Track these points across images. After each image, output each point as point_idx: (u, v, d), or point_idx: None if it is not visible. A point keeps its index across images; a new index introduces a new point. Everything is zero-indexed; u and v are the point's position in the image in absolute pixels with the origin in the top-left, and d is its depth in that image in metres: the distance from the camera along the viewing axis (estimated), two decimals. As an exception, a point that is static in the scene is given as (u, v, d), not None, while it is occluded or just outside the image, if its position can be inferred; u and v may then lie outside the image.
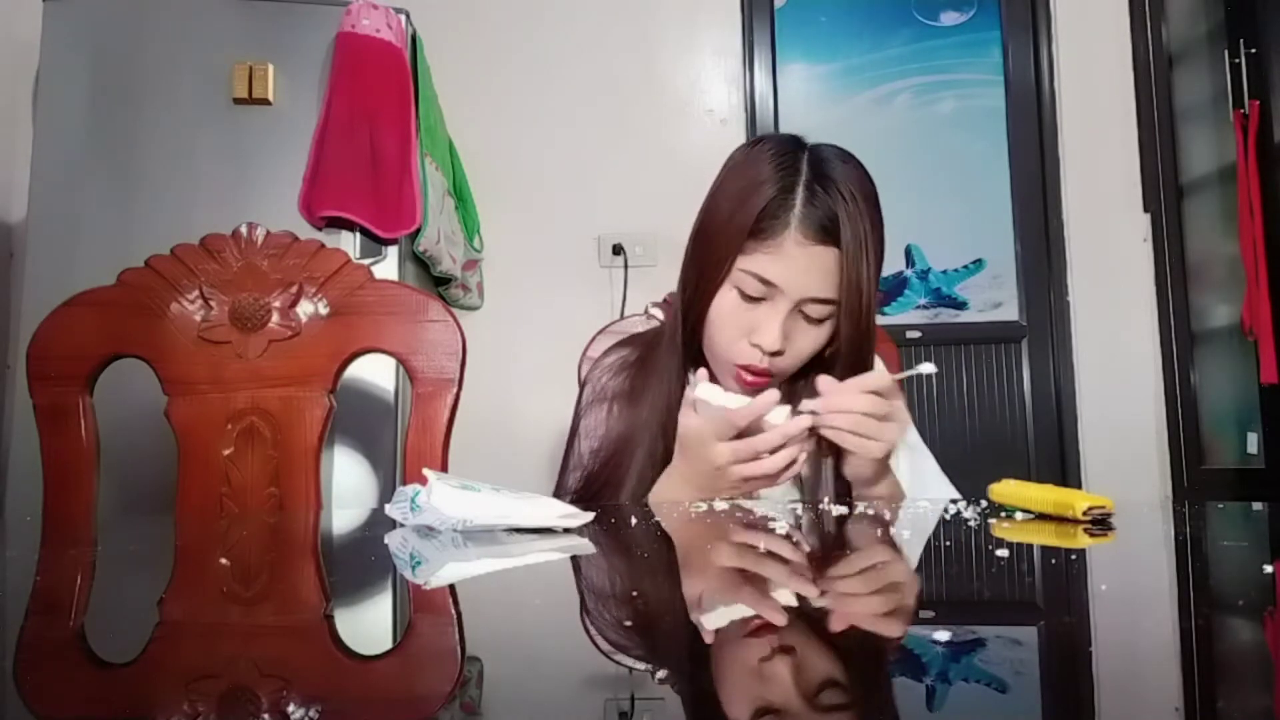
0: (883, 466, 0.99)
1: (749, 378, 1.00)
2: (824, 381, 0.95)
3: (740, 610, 0.48)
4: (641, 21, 2.71)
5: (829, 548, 0.71)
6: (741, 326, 1.00)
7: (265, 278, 1.18)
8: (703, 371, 0.99)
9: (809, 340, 1.01)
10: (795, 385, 1.07)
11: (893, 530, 0.74)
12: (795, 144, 1.02)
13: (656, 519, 0.84)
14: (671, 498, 0.99)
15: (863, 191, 1.00)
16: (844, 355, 1.01)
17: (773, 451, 0.93)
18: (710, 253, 1.01)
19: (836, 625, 0.45)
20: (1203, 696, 0.35)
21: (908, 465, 1.12)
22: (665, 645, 0.43)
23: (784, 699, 0.34)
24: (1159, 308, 2.58)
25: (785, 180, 0.98)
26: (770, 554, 0.65)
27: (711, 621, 0.46)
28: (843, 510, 0.83)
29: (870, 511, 0.83)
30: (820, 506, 0.87)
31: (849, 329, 1.00)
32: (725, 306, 1.01)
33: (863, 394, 0.93)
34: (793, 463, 0.93)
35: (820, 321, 1.00)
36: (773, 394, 0.94)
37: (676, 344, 1.07)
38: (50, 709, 0.36)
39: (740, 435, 0.94)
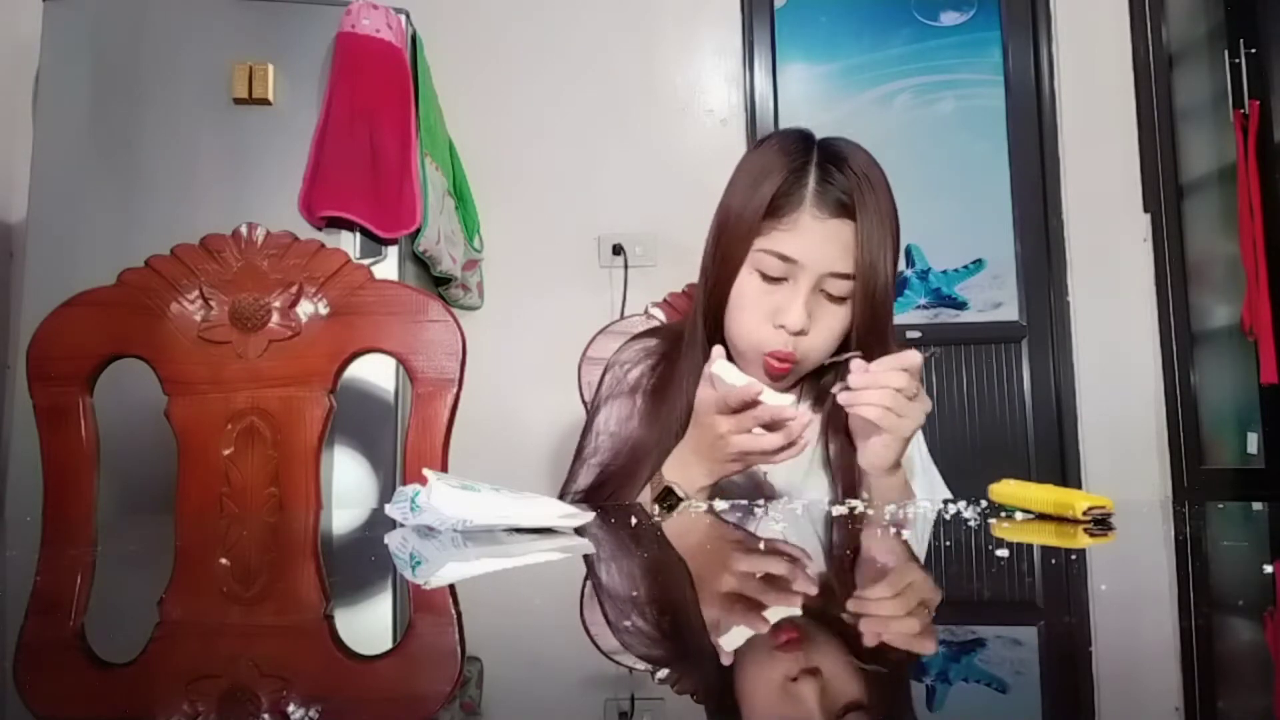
0: (902, 452, 0.98)
1: (776, 364, 1.01)
2: (858, 364, 0.95)
3: (740, 611, 0.48)
4: (642, 22, 2.71)
5: (830, 548, 0.71)
6: (764, 310, 1.01)
7: (265, 278, 1.18)
8: (719, 349, 0.99)
9: (832, 320, 1.01)
10: (821, 382, 1.07)
11: (893, 530, 0.74)
12: (804, 135, 1.05)
13: (656, 519, 0.84)
14: (679, 467, 0.99)
15: (874, 175, 1.01)
16: (859, 334, 1.00)
17: (768, 428, 0.93)
18: (729, 239, 1.02)
19: (837, 626, 0.45)
20: (1203, 696, 0.35)
21: (921, 469, 1.11)
22: (666, 645, 0.43)
23: (785, 699, 0.34)
24: (1159, 308, 2.58)
25: (797, 162, 1.01)
26: (771, 555, 0.65)
27: (712, 621, 0.46)
28: (842, 510, 0.83)
29: (869, 512, 0.83)
30: (820, 507, 0.87)
31: (864, 306, 1.00)
32: (747, 290, 1.02)
33: (897, 371, 0.93)
34: (790, 445, 0.93)
35: (842, 300, 1.00)
36: (761, 386, 0.94)
37: (698, 342, 1.07)
38: (50, 709, 0.36)
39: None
